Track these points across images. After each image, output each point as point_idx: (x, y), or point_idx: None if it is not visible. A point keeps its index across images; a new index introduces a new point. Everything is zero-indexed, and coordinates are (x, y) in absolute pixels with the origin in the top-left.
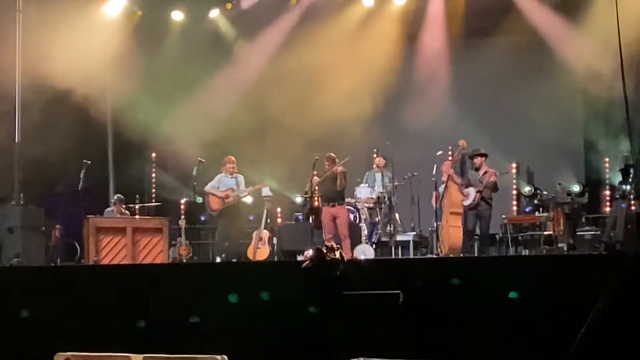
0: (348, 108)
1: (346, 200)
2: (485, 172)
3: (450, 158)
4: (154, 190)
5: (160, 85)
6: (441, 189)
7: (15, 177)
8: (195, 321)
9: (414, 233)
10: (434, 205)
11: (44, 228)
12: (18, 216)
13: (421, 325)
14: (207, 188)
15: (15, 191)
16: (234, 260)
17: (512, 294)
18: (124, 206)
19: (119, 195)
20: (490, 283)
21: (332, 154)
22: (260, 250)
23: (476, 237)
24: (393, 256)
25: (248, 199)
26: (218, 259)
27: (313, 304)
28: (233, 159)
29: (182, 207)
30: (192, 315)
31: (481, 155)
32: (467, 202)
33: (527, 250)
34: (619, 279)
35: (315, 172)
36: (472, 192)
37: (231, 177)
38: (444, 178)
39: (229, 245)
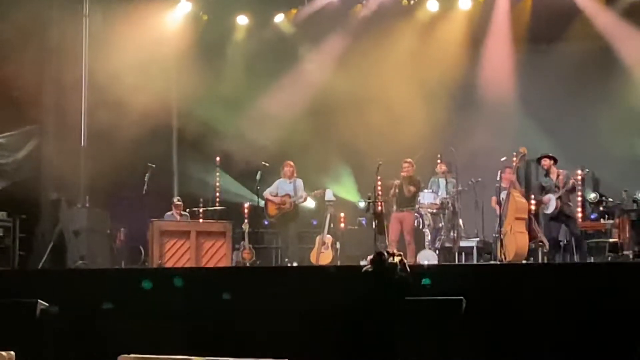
0: (412, 113)
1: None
2: (559, 175)
3: (513, 165)
4: (217, 194)
5: (225, 89)
6: (503, 195)
7: (81, 180)
8: (256, 324)
9: (478, 239)
10: (495, 208)
11: (109, 231)
12: (84, 219)
13: (483, 333)
14: (265, 193)
15: (81, 194)
16: (295, 264)
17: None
18: (186, 210)
19: (177, 197)
20: (556, 290)
21: (409, 159)
22: (323, 255)
23: (561, 242)
24: (456, 262)
25: (311, 204)
26: (288, 263)
27: (374, 308)
28: (292, 163)
29: (246, 211)
30: (253, 319)
31: (549, 157)
32: (548, 211)
33: (592, 258)
34: None
35: (379, 177)
36: (552, 199)
37: (289, 182)
38: (505, 184)
39: (289, 250)
